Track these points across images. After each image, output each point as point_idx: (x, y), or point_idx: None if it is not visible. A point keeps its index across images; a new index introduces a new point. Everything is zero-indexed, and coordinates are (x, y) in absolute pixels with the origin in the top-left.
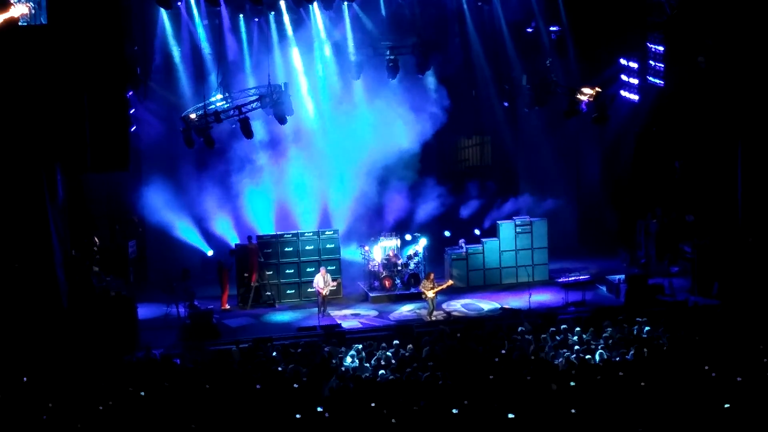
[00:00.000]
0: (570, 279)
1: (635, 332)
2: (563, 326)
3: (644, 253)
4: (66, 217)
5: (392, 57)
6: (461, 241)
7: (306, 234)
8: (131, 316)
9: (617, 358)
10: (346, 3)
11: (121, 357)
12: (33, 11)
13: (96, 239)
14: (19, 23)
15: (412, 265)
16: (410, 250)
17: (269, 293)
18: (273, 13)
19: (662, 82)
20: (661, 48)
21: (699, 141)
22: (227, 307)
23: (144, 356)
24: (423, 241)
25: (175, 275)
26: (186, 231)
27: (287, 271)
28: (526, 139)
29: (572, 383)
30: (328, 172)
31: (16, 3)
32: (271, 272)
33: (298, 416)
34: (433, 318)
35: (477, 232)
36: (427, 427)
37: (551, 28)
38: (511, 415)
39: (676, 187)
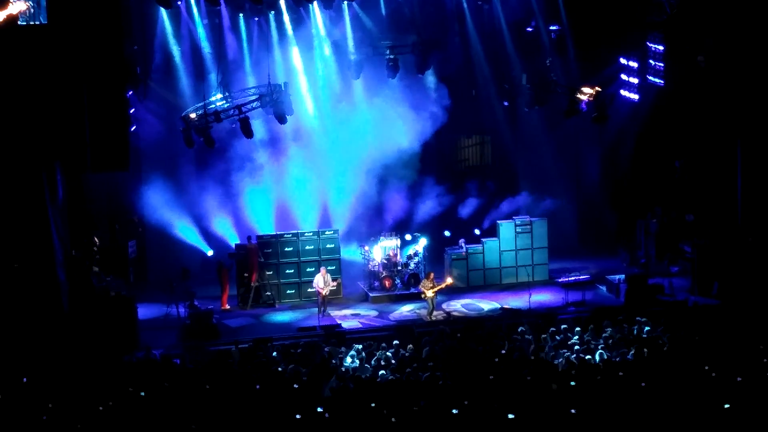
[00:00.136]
0: (570, 279)
1: (635, 332)
2: (563, 326)
3: (644, 253)
4: (66, 216)
5: (392, 56)
6: (461, 240)
7: (306, 234)
8: (131, 316)
9: (617, 358)
10: (346, 2)
11: (120, 357)
12: (32, 10)
13: (96, 239)
14: (19, 23)
15: (412, 265)
16: (410, 250)
17: (269, 293)
18: (273, 12)
19: (662, 82)
20: (660, 47)
21: (699, 140)
22: (227, 307)
23: (144, 356)
24: (423, 241)
25: (175, 275)
26: (186, 231)
27: (287, 271)
28: (526, 138)
29: (572, 383)
30: (328, 172)
31: (14, 0)
32: (271, 272)
33: (298, 416)
34: (433, 318)
35: (477, 231)
36: (427, 428)
37: (551, 28)
38: (511, 416)
39: (676, 187)
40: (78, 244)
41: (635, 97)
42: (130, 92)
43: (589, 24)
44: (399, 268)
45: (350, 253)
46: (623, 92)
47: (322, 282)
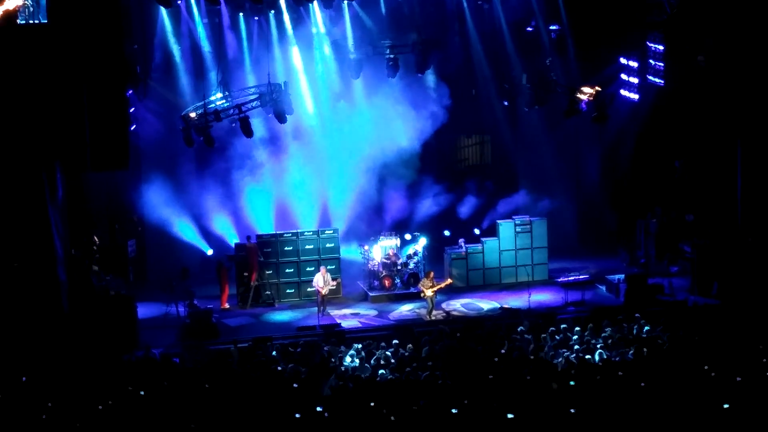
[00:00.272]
0: (570, 279)
1: (635, 332)
2: (563, 326)
3: (644, 253)
4: (66, 216)
5: (392, 56)
6: (461, 240)
7: (306, 233)
8: (131, 315)
9: (617, 358)
10: (346, 1)
11: (120, 356)
12: (32, 9)
13: (95, 238)
14: (18, 22)
15: (411, 265)
16: (410, 250)
17: (269, 292)
18: (273, 11)
19: (662, 81)
20: (660, 47)
21: (699, 140)
22: (227, 306)
23: (143, 355)
24: (422, 241)
25: (174, 274)
26: (185, 230)
27: (287, 271)
28: (525, 138)
29: (572, 383)
30: (327, 171)
31: None
32: (270, 271)
33: (297, 416)
34: (433, 317)
35: (476, 231)
36: (426, 427)
37: (551, 27)
38: (510, 415)
39: (676, 187)
40: (78, 243)
41: (635, 96)
42: (130, 91)
43: (589, 24)
44: (399, 267)
45: (350, 252)
46: (623, 92)
47: (321, 281)
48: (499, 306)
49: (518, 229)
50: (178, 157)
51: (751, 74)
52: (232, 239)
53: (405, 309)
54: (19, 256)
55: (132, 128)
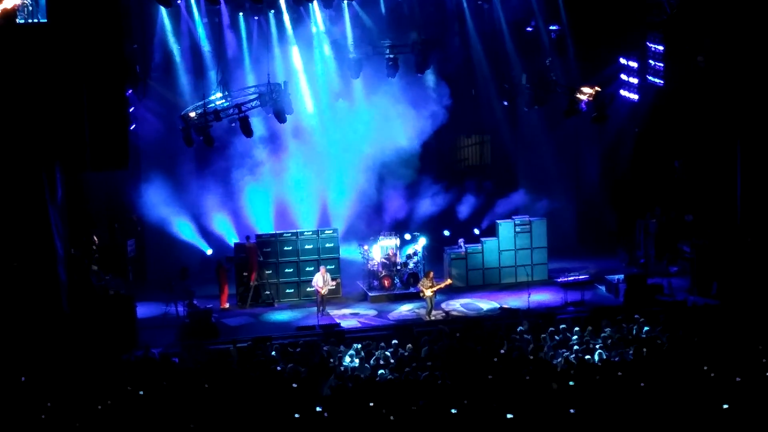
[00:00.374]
0: (569, 279)
1: (634, 332)
2: (562, 326)
3: (643, 253)
4: (65, 215)
5: (392, 55)
6: (460, 240)
7: (305, 233)
8: (130, 315)
9: (616, 358)
10: (346, 1)
11: (119, 356)
12: (31, 8)
13: (95, 238)
14: (18, 21)
15: (411, 265)
16: (409, 250)
17: (268, 292)
18: (273, 11)
19: (662, 82)
20: (660, 47)
21: (698, 140)
22: (226, 306)
23: (143, 355)
24: (422, 241)
25: (174, 274)
26: (185, 229)
27: (286, 270)
28: (525, 138)
29: (571, 383)
30: (327, 171)
31: None
32: (270, 271)
33: (296, 416)
34: (432, 317)
35: (476, 231)
36: (426, 427)
37: (551, 27)
38: (509, 415)
39: (676, 187)
40: (77, 242)
41: (635, 97)
42: (130, 91)
43: (589, 24)
44: (398, 267)
45: (349, 252)
46: (623, 92)
47: (321, 281)
48: (498, 306)
49: (518, 229)
50: (177, 156)
51: (750, 74)
52: (232, 239)
53: (404, 309)
54: (19, 256)
55: (132, 128)
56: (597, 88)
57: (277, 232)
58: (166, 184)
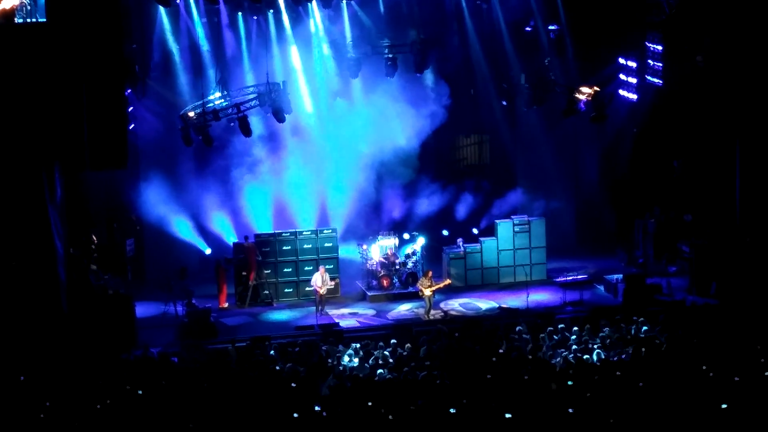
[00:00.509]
0: (568, 278)
1: (633, 332)
2: (561, 326)
3: (642, 253)
4: (64, 215)
5: (391, 55)
6: (459, 240)
7: (304, 233)
8: (129, 314)
9: (615, 358)
10: (345, 1)
11: (118, 355)
12: (29, 7)
13: (94, 237)
14: (16, 21)
15: (410, 264)
16: (408, 249)
17: (267, 292)
18: (272, 10)
19: (661, 81)
20: (659, 47)
21: (697, 140)
22: (225, 305)
23: (141, 355)
24: (421, 240)
25: (173, 273)
26: (184, 229)
27: (285, 270)
28: (524, 138)
29: (570, 383)
30: (326, 171)
31: None
32: (269, 271)
33: (295, 415)
34: (431, 317)
35: (475, 231)
36: (424, 427)
37: (550, 27)
38: (508, 415)
39: (675, 187)
40: (76, 242)
41: (634, 96)
42: (129, 90)
43: (588, 24)
44: (397, 267)
45: (348, 252)
46: (622, 92)
47: (320, 281)
48: (497, 306)
49: (516, 228)
50: (176, 156)
51: (749, 74)
52: (231, 238)
53: (403, 308)
54: (18, 256)
55: (131, 127)
56: (596, 88)
57: (276, 231)
58: (165, 184)
